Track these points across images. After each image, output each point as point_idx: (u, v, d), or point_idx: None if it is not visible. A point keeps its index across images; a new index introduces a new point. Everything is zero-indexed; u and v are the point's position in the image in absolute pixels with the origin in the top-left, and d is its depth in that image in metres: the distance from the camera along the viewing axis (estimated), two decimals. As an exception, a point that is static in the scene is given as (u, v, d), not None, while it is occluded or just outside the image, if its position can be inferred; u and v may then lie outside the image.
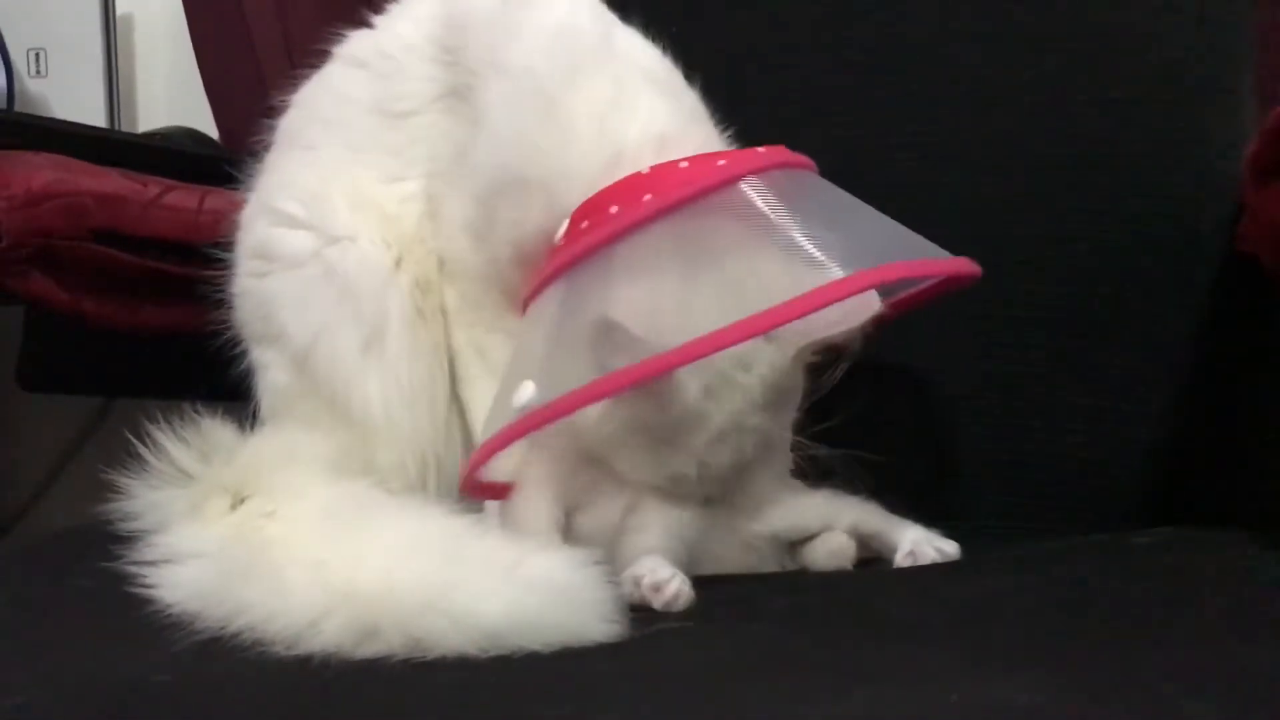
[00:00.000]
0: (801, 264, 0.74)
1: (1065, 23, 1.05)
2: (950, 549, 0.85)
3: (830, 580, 0.84)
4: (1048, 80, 1.05)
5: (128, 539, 0.78)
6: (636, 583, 0.74)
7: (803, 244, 0.75)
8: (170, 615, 0.69)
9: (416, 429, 0.85)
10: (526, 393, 0.75)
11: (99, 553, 0.76)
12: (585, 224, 0.79)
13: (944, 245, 0.92)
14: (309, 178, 0.92)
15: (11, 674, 0.63)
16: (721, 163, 0.79)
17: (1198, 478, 0.99)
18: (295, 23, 1.40)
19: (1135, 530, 0.92)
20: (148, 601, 0.72)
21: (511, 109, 0.85)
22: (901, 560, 0.85)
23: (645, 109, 0.84)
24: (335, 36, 0.97)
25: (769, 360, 0.78)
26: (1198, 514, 0.94)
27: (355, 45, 0.96)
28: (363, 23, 0.96)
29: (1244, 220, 0.96)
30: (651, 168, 0.79)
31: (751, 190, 0.77)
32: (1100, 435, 1.00)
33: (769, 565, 0.88)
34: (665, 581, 0.73)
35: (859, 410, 0.92)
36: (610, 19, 0.91)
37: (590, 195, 0.80)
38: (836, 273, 0.72)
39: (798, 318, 0.68)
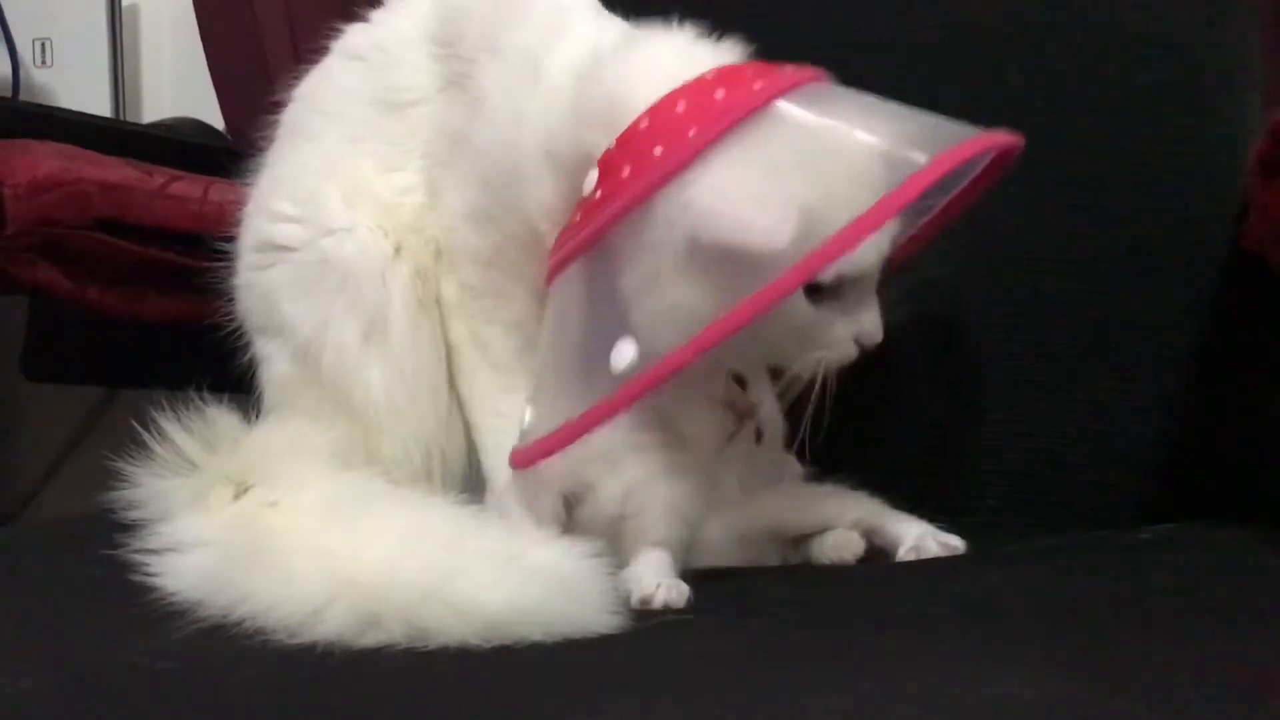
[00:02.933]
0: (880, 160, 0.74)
1: (1072, 22, 1.05)
2: (955, 543, 0.85)
3: (832, 574, 0.85)
4: (1052, 79, 1.04)
5: (131, 527, 0.78)
6: (628, 595, 0.74)
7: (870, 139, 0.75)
8: (173, 603, 0.70)
9: (420, 419, 0.85)
10: (627, 353, 0.74)
11: (103, 541, 0.76)
12: (627, 170, 0.77)
13: (943, 243, 0.92)
14: (307, 172, 0.92)
15: (16, 660, 0.63)
16: (758, 85, 0.76)
17: (1202, 474, 0.99)
18: (301, 13, 1.40)
19: (1139, 526, 0.92)
20: (151, 589, 0.72)
21: (504, 86, 0.85)
22: (905, 555, 0.85)
23: (640, 55, 0.82)
24: (333, 31, 0.96)
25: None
26: (1202, 511, 0.94)
27: (352, 39, 0.96)
28: (363, 16, 0.96)
29: (1249, 218, 0.96)
30: (685, 102, 0.77)
31: (792, 104, 0.76)
32: (1104, 432, 1.00)
33: (770, 560, 0.88)
34: (651, 596, 0.73)
35: (864, 407, 0.93)
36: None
37: (593, 149, 0.79)
38: (919, 157, 0.72)
39: (921, 192, 0.69)
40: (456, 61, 0.89)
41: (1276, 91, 1.02)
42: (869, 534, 0.88)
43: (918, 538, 0.85)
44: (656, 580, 0.74)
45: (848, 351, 0.79)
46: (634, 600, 0.73)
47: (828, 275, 0.74)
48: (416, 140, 0.90)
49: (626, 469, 0.83)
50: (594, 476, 0.83)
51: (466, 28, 0.89)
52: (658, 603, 0.73)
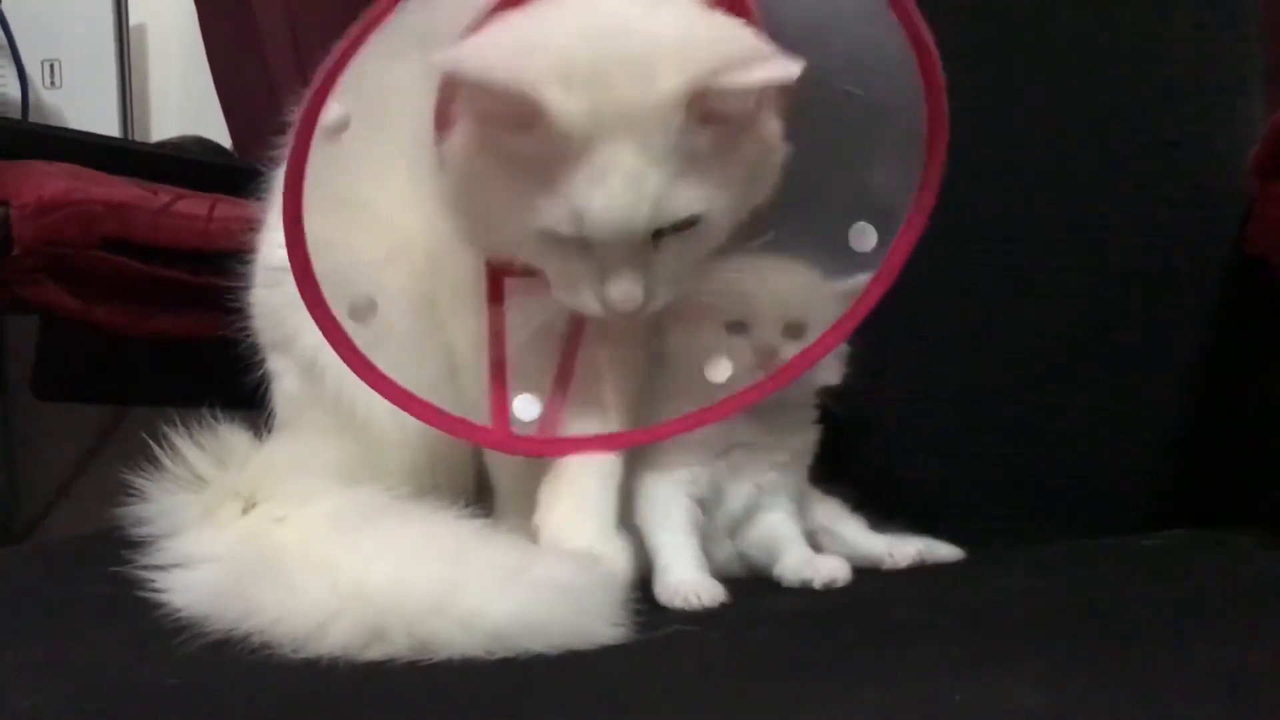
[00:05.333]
0: None
1: (1075, 27, 1.05)
2: (838, 574, 0.82)
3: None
4: (1053, 81, 1.05)
5: (140, 544, 0.78)
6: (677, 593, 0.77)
7: None
8: (181, 619, 0.70)
9: (424, 430, 0.85)
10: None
11: (112, 558, 0.77)
12: None
13: (951, 247, 0.92)
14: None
15: (24, 677, 0.64)
16: None
17: (1207, 480, 0.99)
18: (306, 31, 1.41)
19: (1144, 533, 0.92)
20: (159, 605, 0.72)
21: None
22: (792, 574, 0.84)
23: None
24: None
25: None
26: (1207, 517, 0.94)
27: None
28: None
29: (1251, 222, 0.96)
30: None
31: None
32: (1109, 438, 1.00)
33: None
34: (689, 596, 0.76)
35: (867, 414, 0.93)
36: None
37: None
38: None
39: None
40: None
41: (1278, 93, 1.02)
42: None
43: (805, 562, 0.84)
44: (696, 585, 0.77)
45: (594, 308, 0.75)
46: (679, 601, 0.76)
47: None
48: (398, 146, 0.89)
49: (749, 471, 0.85)
50: (722, 479, 0.85)
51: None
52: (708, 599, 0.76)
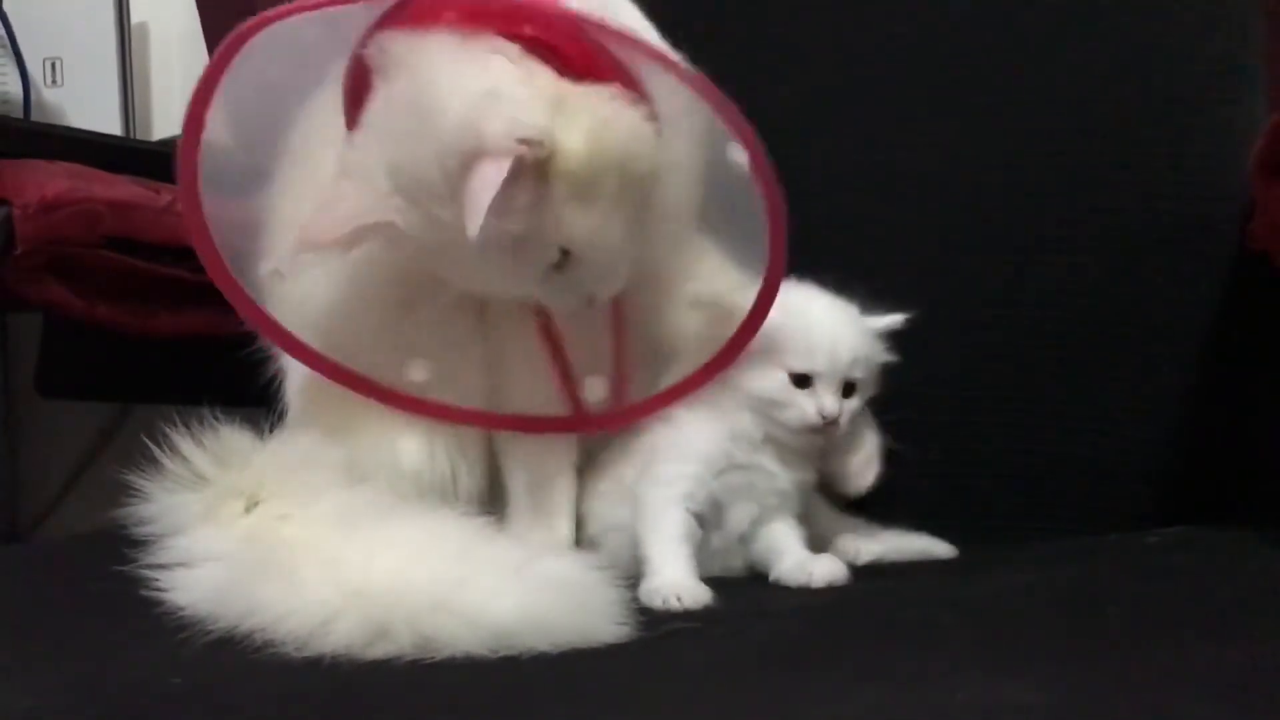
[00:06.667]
0: None
1: (1077, 23, 1.05)
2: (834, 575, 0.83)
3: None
4: (1058, 79, 1.05)
5: (143, 542, 0.78)
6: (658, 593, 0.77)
7: None
8: (184, 617, 0.70)
9: (431, 426, 0.85)
10: None
11: (114, 556, 0.77)
12: None
13: (951, 244, 0.92)
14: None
15: (26, 675, 0.64)
16: None
17: (1210, 477, 0.99)
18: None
19: (1147, 530, 0.92)
20: (161, 604, 0.72)
21: None
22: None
23: None
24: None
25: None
26: (1210, 514, 0.94)
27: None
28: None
29: (1253, 219, 0.96)
30: None
31: None
32: (1112, 435, 1.00)
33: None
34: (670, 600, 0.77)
35: (872, 413, 0.93)
36: None
37: None
38: None
39: None
40: None
41: (1277, 91, 1.02)
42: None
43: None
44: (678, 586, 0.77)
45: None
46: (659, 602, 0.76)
47: None
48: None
49: (754, 492, 0.85)
50: (727, 498, 0.85)
51: None
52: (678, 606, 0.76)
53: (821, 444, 0.87)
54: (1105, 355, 1.01)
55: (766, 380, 0.84)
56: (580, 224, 0.75)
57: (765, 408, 0.84)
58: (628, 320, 0.88)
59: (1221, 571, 0.80)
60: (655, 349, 0.90)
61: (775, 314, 0.82)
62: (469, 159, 0.72)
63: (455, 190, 0.72)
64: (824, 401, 0.83)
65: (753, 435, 0.85)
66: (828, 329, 0.84)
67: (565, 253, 0.76)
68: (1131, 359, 1.01)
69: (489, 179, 0.70)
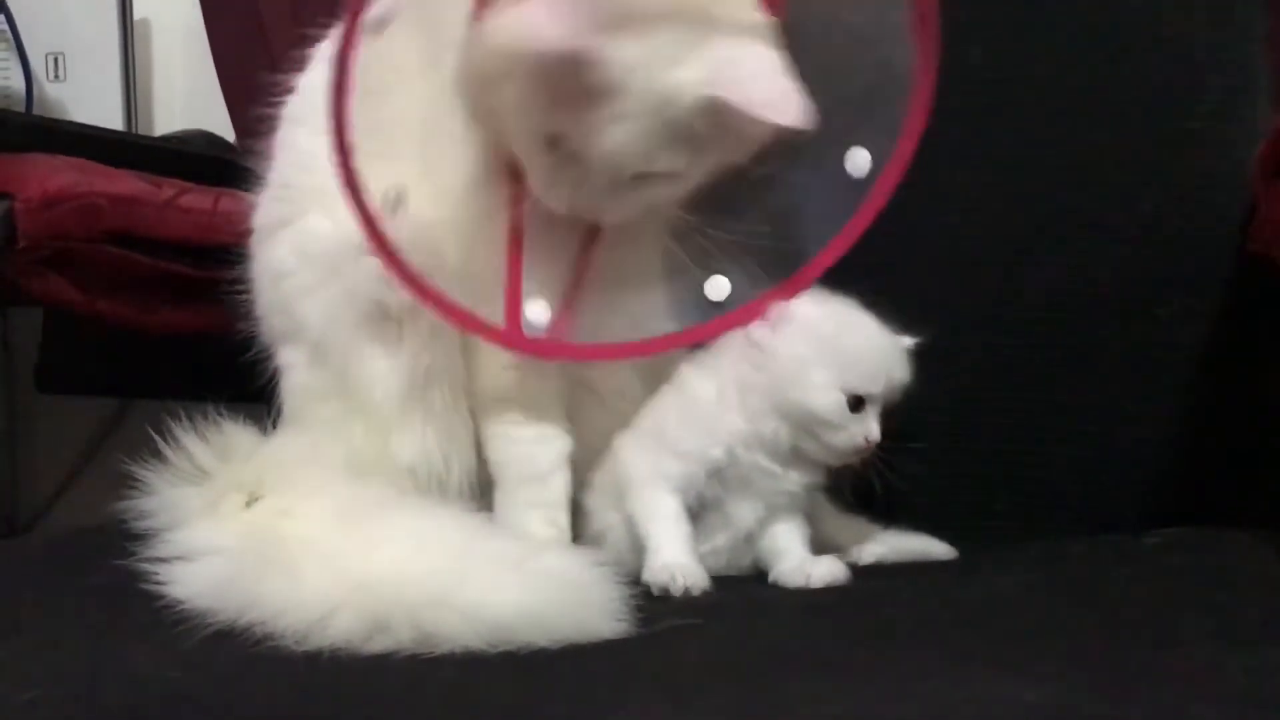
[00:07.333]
0: None
1: (1079, 24, 1.05)
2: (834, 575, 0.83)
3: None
4: (1060, 80, 1.05)
5: (143, 536, 0.78)
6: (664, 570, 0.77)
7: None
8: (183, 611, 0.70)
9: (427, 412, 0.85)
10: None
11: (115, 550, 0.77)
12: None
13: (952, 243, 0.92)
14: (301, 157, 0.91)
15: (26, 669, 0.64)
16: None
17: (1209, 478, 0.99)
18: (311, 26, 1.40)
19: (1146, 531, 0.92)
20: (160, 597, 0.72)
21: None
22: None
23: None
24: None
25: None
26: (1209, 514, 0.94)
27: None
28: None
29: (1255, 220, 0.96)
30: None
31: None
32: (1112, 436, 1.00)
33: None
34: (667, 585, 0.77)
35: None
36: None
37: None
38: None
39: None
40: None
41: (1280, 93, 1.02)
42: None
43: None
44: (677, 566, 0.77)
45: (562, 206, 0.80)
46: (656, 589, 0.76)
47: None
48: (402, 127, 0.88)
49: (758, 492, 0.84)
50: (725, 494, 0.84)
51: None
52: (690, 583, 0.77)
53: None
54: (1105, 355, 1.01)
55: (826, 399, 0.80)
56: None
57: (814, 426, 0.81)
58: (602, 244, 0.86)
59: (1218, 571, 0.80)
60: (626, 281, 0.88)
61: (831, 327, 0.82)
62: None
63: None
64: (871, 426, 0.81)
65: (780, 445, 0.83)
66: (885, 351, 0.82)
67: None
68: (1130, 360, 1.01)
69: None
